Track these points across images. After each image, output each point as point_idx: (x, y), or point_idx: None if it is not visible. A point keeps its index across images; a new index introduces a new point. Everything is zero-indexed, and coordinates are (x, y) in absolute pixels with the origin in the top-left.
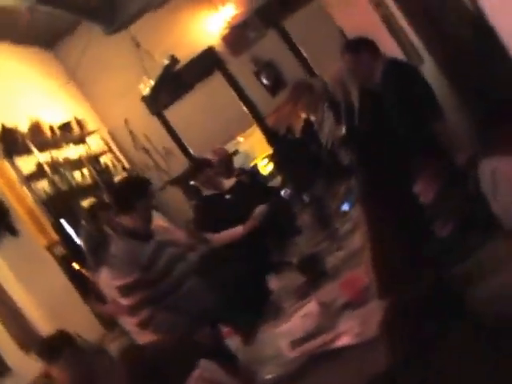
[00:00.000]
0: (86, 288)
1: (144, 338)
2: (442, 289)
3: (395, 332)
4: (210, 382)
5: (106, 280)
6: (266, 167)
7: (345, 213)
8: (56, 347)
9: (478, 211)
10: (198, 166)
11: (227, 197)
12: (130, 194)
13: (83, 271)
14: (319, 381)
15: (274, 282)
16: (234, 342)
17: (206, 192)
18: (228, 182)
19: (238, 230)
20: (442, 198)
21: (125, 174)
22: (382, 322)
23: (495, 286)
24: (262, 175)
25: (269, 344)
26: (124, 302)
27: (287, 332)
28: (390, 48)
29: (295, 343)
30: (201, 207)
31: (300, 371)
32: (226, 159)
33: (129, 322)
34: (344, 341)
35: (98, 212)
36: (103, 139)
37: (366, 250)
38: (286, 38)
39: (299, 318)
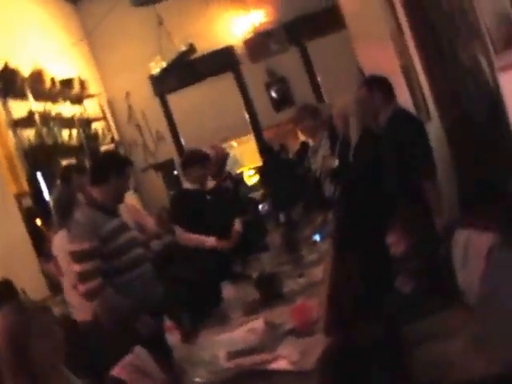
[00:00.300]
0: (42, 246)
1: (82, 315)
2: (387, 341)
3: (328, 371)
4: (138, 370)
5: (62, 242)
6: (251, 178)
7: (315, 243)
8: None
9: (444, 277)
10: (198, 157)
11: (208, 197)
12: (107, 168)
13: (44, 229)
14: None
15: (228, 291)
16: (173, 338)
17: (187, 185)
18: (210, 182)
19: (210, 242)
20: (412, 255)
21: (112, 146)
22: (320, 358)
23: (441, 351)
24: (246, 184)
25: (207, 349)
26: (75, 267)
27: (228, 341)
28: (402, 97)
29: (232, 354)
30: (179, 199)
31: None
32: (222, 158)
33: (71, 295)
34: (280, 365)
35: (73, 174)
36: (100, 106)
37: (325, 284)
38: (305, 59)
39: (243, 332)
